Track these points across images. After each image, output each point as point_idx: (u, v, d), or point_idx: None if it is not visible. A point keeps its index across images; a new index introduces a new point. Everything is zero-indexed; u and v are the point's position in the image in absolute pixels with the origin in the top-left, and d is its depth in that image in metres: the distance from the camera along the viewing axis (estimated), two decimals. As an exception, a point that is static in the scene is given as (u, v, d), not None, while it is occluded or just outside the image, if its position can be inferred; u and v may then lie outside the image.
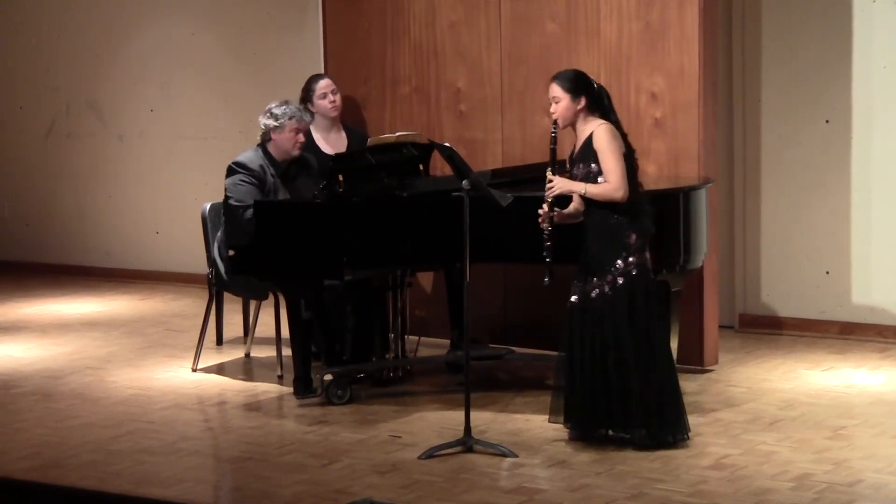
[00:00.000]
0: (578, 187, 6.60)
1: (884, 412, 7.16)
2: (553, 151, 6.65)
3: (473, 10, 8.51)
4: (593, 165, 6.57)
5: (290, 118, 7.91)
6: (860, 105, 8.57)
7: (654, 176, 7.97)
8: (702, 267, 7.73)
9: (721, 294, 8.54)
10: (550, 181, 6.64)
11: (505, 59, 8.44)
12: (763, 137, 8.86)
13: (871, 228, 8.62)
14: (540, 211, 6.64)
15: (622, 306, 6.56)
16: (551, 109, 6.67)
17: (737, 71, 8.87)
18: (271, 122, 7.92)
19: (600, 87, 6.68)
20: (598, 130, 6.56)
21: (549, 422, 6.87)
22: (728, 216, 8.91)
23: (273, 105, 7.98)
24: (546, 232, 6.63)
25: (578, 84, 6.63)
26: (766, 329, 8.91)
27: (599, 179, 6.56)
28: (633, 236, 6.57)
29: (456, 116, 8.63)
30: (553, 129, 6.65)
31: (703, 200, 7.49)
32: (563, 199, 6.68)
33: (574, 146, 6.73)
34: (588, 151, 6.59)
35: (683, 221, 7.34)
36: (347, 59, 8.94)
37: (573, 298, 6.69)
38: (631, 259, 6.57)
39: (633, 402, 6.56)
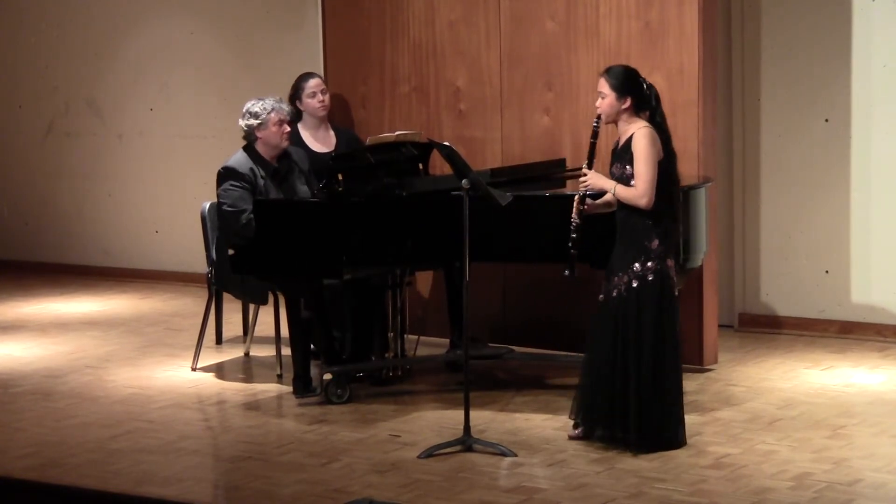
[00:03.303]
0: (609, 185, 6.58)
1: (883, 411, 7.16)
2: (592, 145, 6.61)
3: (473, 9, 8.51)
4: (628, 168, 6.54)
5: (271, 111, 7.83)
6: (859, 104, 8.57)
7: (653, 175, 7.98)
8: (701, 266, 7.73)
9: (720, 293, 8.54)
10: (585, 174, 6.63)
11: (504, 58, 8.44)
12: (762, 136, 8.85)
13: (870, 227, 8.62)
14: (576, 203, 6.61)
15: (632, 310, 6.54)
16: (596, 103, 6.63)
17: (736, 70, 8.86)
18: (253, 122, 7.83)
19: (651, 86, 6.61)
20: (638, 134, 6.53)
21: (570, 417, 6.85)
22: (727, 215, 8.90)
23: (249, 104, 7.87)
24: (574, 223, 6.61)
25: (627, 84, 6.57)
26: (766, 328, 8.90)
27: (633, 183, 6.55)
28: (656, 241, 6.54)
29: (455, 115, 8.62)
30: (595, 123, 6.61)
31: (702, 199, 7.49)
32: (596, 192, 6.66)
33: (617, 141, 6.70)
34: (626, 153, 6.56)
35: (683, 220, 7.33)
36: (347, 58, 8.93)
37: (600, 296, 6.68)
38: (650, 264, 6.53)
39: (630, 405, 6.56)
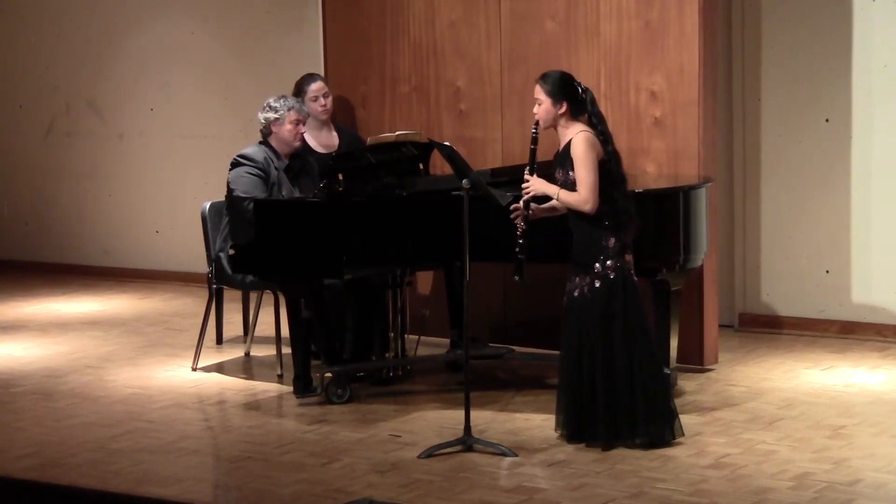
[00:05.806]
0: (552, 191, 6.62)
1: (883, 411, 7.16)
2: (532, 152, 6.67)
3: (473, 9, 8.51)
4: (571, 173, 6.59)
5: (290, 109, 7.98)
6: (860, 104, 8.57)
7: (653, 175, 7.98)
8: (702, 266, 7.73)
9: (721, 293, 8.54)
10: (527, 181, 6.66)
11: (504, 58, 8.44)
12: (763, 136, 8.86)
13: (871, 227, 8.62)
14: (514, 206, 6.67)
15: (596, 309, 6.58)
16: (534, 110, 6.68)
17: (737, 70, 8.87)
18: (271, 115, 7.99)
19: (586, 90, 6.65)
20: (576, 139, 6.57)
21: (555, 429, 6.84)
22: (728, 215, 8.91)
23: (271, 99, 8.05)
24: (520, 229, 6.65)
25: (561, 88, 6.62)
26: (766, 328, 8.90)
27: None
28: (612, 240, 6.57)
29: (455, 115, 8.63)
30: (534, 130, 6.67)
31: (702, 199, 7.49)
32: (541, 197, 6.70)
33: (559, 146, 6.74)
34: (567, 158, 6.61)
35: (683, 220, 7.34)
36: (347, 58, 8.94)
37: (564, 298, 6.71)
38: (609, 262, 6.57)
39: (606, 405, 6.56)
